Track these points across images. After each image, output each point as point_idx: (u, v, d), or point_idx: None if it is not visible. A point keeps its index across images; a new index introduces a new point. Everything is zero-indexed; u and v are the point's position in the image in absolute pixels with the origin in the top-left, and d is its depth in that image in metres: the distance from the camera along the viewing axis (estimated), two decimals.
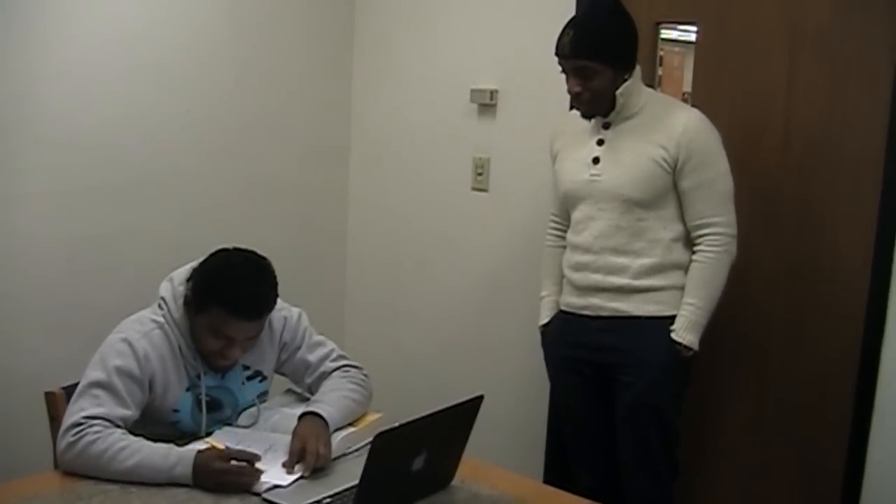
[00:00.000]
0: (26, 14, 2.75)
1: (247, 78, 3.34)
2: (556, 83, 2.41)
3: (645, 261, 2.37)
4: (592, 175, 2.41)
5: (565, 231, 2.57)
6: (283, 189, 3.50)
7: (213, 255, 2.04)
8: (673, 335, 2.34)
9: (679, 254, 2.39)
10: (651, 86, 2.62)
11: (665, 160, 2.32)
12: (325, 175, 3.69)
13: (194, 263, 2.06)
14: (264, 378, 2.17)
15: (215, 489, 1.76)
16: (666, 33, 2.99)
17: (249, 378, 2.12)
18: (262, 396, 2.18)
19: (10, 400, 2.75)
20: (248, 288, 1.95)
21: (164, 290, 2.04)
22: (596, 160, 2.41)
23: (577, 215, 2.48)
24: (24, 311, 2.85)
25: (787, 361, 2.68)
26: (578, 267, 2.47)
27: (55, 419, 2.00)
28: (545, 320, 2.61)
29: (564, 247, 2.56)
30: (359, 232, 3.78)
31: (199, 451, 1.82)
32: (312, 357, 2.19)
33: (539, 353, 2.69)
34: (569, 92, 2.38)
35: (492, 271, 3.29)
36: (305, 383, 2.21)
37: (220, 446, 1.90)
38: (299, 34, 3.50)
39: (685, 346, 2.34)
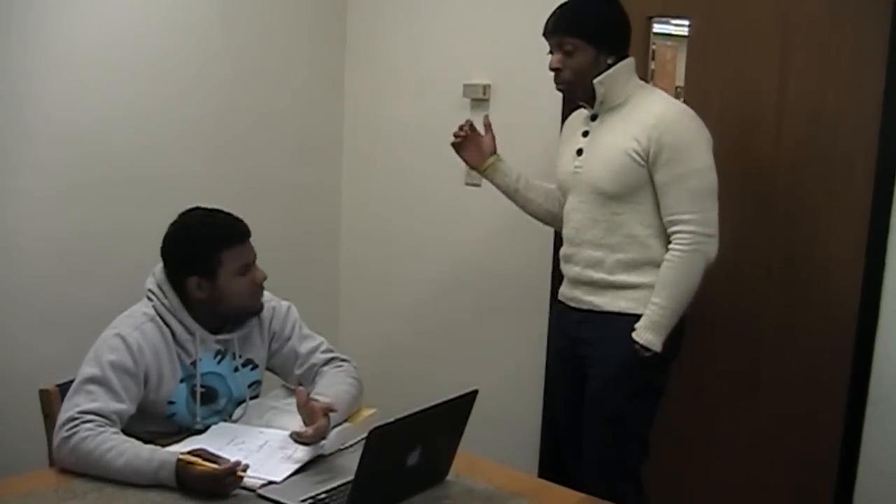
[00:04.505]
0: (21, 13, 2.74)
1: (239, 75, 3.33)
2: (548, 77, 2.41)
3: (620, 256, 2.33)
4: (576, 167, 2.41)
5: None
6: (276, 186, 3.50)
7: (170, 236, 2.08)
8: (633, 333, 2.28)
9: (657, 251, 2.32)
10: (644, 80, 2.62)
11: (637, 153, 2.27)
12: (318, 171, 3.68)
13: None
14: (256, 366, 2.18)
15: (200, 495, 1.72)
16: (659, 27, 2.99)
17: (242, 366, 2.13)
18: (255, 386, 2.18)
19: (4, 397, 2.74)
20: (221, 219, 2.07)
21: (149, 283, 2.07)
22: (580, 152, 2.41)
23: (565, 207, 2.48)
24: (18, 308, 2.84)
25: (780, 356, 2.69)
26: (565, 258, 2.48)
27: (50, 416, 2.00)
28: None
29: (556, 199, 2.60)
30: (352, 228, 3.77)
31: (179, 458, 1.75)
32: (302, 348, 2.20)
33: (533, 348, 2.70)
34: (550, 69, 2.37)
35: (485, 266, 3.29)
36: (295, 374, 2.21)
37: (192, 457, 1.77)
38: (291, 31, 3.49)
39: (643, 346, 2.28)
